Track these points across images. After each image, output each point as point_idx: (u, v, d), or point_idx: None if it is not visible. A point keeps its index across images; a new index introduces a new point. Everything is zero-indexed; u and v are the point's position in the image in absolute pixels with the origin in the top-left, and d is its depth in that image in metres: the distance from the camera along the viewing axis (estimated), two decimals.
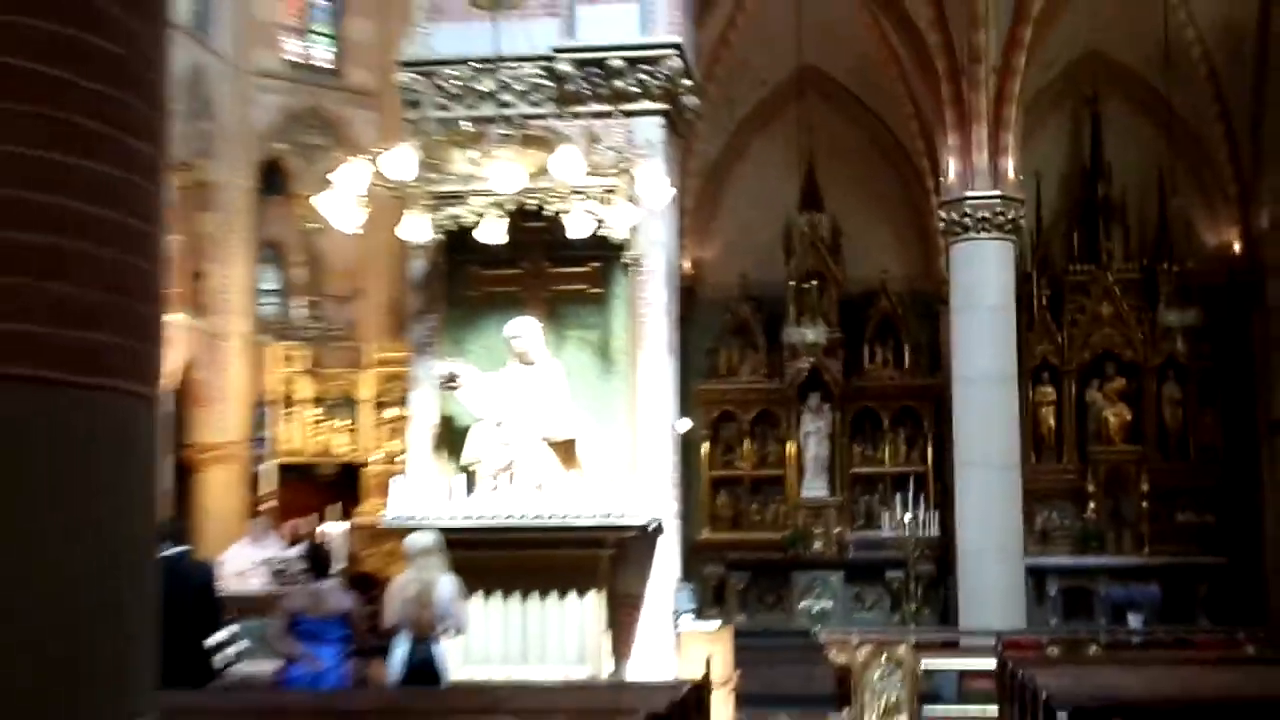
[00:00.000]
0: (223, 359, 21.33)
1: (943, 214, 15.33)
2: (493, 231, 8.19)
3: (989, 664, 11.57)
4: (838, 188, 18.98)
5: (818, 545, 18.32)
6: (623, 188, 8.36)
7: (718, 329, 18.98)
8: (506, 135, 7.52)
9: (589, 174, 7.73)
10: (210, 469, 21.12)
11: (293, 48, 23.37)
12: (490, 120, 7.90)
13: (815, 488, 18.59)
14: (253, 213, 22.02)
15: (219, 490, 21.01)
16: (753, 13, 17.11)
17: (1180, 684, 8.70)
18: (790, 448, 18.73)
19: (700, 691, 8.59)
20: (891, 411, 18.81)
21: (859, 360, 18.85)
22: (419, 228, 8.15)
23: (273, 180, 22.37)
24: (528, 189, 8.89)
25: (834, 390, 18.58)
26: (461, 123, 7.70)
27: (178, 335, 20.00)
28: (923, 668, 11.53)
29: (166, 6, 2.79)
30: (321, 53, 23.60)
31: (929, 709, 11.52)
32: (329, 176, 7.57)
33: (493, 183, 7.18)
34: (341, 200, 7.47)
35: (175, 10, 20.15)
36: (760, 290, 18.92)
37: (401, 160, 7.03)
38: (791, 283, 18.44)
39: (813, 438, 18.69)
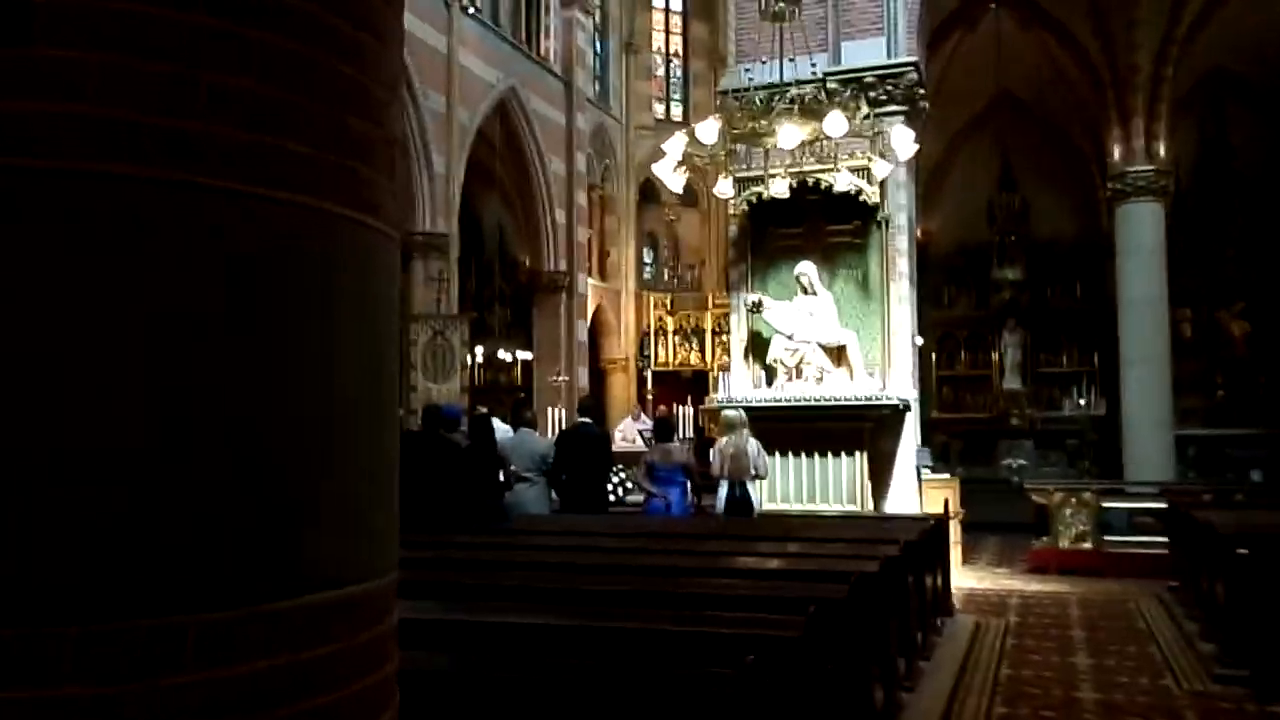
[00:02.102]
0: (621, 306, 21.47)
1: (1110, 184, 13.23)
2: (779, 188, 7.15)
3: (1154, 506, 9.90)
4: (1025, 174, 16.87)
5: (1014, 421, 16.48)
6: (876, 151, 7.15)
7: (942, 275, 17.18)
8: (787, 108, 6.40)
9: (851, 135, 6.54)
10: (615, 374, 21.34)
11: (658, 109, 23.30)
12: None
13: (1012, 382, 16.68)
14: (636, 214, 22.10)
15: (619, 387, 21.10)
16: (962, 53, 15.18)
17: None
18: (994, 355, 16.89)
19: (942, 522, 7.38)
20: (1067, 329, 16.64)
21: (1043, 293, 16.74)
22: (725, 187, 7.17)
23: (648, 193, 22.46)
24: (802, 170, 7.90)
25: (1025, 314, 16.62)
26: (755, 96, 6.58)
27: (593, 292, 20.32)
28: (1102, 506, 9.87)
29: None
30: (676, 109, 23.32)
31: (1107, 538, 9.83)
32: (661, 146, 6.68)
33: (779, 139, 6.09)
34: (669, 165, 6.57)
35: (587, 88, 20.22)
36: (970, 248, 17.00)
37: (710, 129, 6.07)
38: (995, 238, 16.57)
39: (1010, 348, 16.77)
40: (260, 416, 1.20)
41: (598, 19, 20.92)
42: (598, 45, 21.24)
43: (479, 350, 18.36)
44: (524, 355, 19.29)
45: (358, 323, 1.36)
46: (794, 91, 7.15)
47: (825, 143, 6.60)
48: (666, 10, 23.42)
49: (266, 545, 1.20)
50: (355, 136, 1.33)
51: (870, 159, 7.17)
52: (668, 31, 23.46)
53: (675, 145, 6.40)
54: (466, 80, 15.72)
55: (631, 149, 22.02)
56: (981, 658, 6.15)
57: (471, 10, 15.92)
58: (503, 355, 19.16)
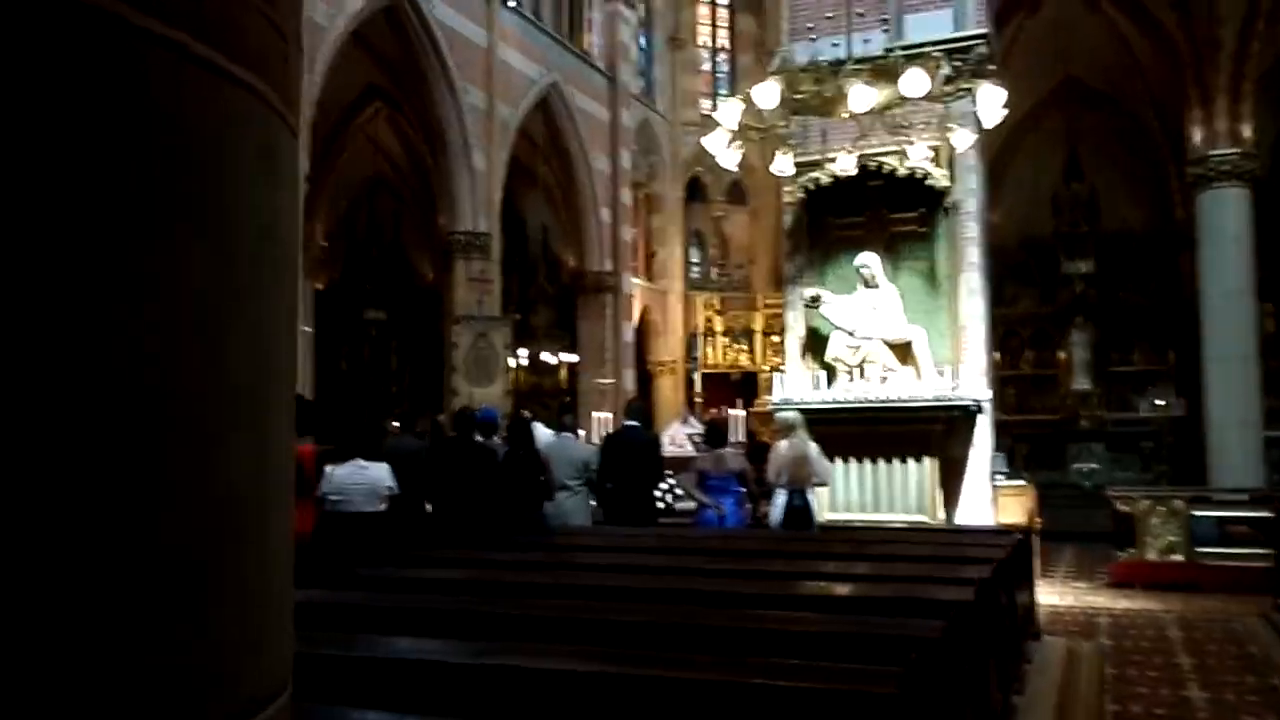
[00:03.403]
0: (668, 306, 20.95)
1: (1190, 170, 12.27)
2: (846, 163, 6.44)
3: (1250, 514, 9.03)
4: (1092, 163, 15.93)
5: (1084, 423, 15.53)
6: (946, 128, 6.42)
7: (1004, 270, 16.28)
8: (856, 69, 5.69)
9: (931, 100, 5.80)
10: (662, 376, 20.83)
11: (705, 105, 22.72)
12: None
13: (1081, 382, 15.72)
14: (683, 213, 21.55)
15: (667, 390, 20.55)
16: (1023, 39, 14.32)
17: None
18: (1060, 354, 15.94)
19: (1028, 535, 6.63)
20: (1139, 325, 15.63)
21: (1113, 288, 15.74)
22: (785, 164, 6.46)
23: (694, 192, 21.99)
24: (868, 150, 7.20)
25: (1094, 310, 15.64)
26: (820, 58, 5.83)
27: (639, 292, 19.74)
28: (1192, 514, 9.00)
29: None
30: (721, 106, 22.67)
31: (1198, 549, 8.96)
32: (713, 115, 5.96)
33: (851, 102, 5.37)
34: (722, 138, 5.86)
35: (632, 84, 19.63)
36: (1034, 242, 16.06)
37: (769, 91, 5.36)
38: (1064, 230, 15.64)
39: (1077, 346, 15.81)
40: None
41: (642, 13, 20.33)
42: (642, 40, 20.66)
43: (522, 353, 17.85)
44: (569, 358, 18.75)
45: (218, 258, 0.74)
46: (851, 72, 6.44)
47: (896, 113, 5.88)
48: (713, 3, 22.78)
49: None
50: None
51: (950, 128, 6.44)
52: (714, 25, 22.81)
53: (730, 114, 5.71)
54: (507, 75, 15.21)
55: (677, 146, 21.45)
56: (1080, 690, 5.40)
57: (512, 3, 15.41)
58: (546, 358, 18.63)
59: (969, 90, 5.88)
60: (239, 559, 0.77)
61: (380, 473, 6.16)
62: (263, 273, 0.82)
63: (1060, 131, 15.87)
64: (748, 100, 5.76)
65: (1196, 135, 12.13)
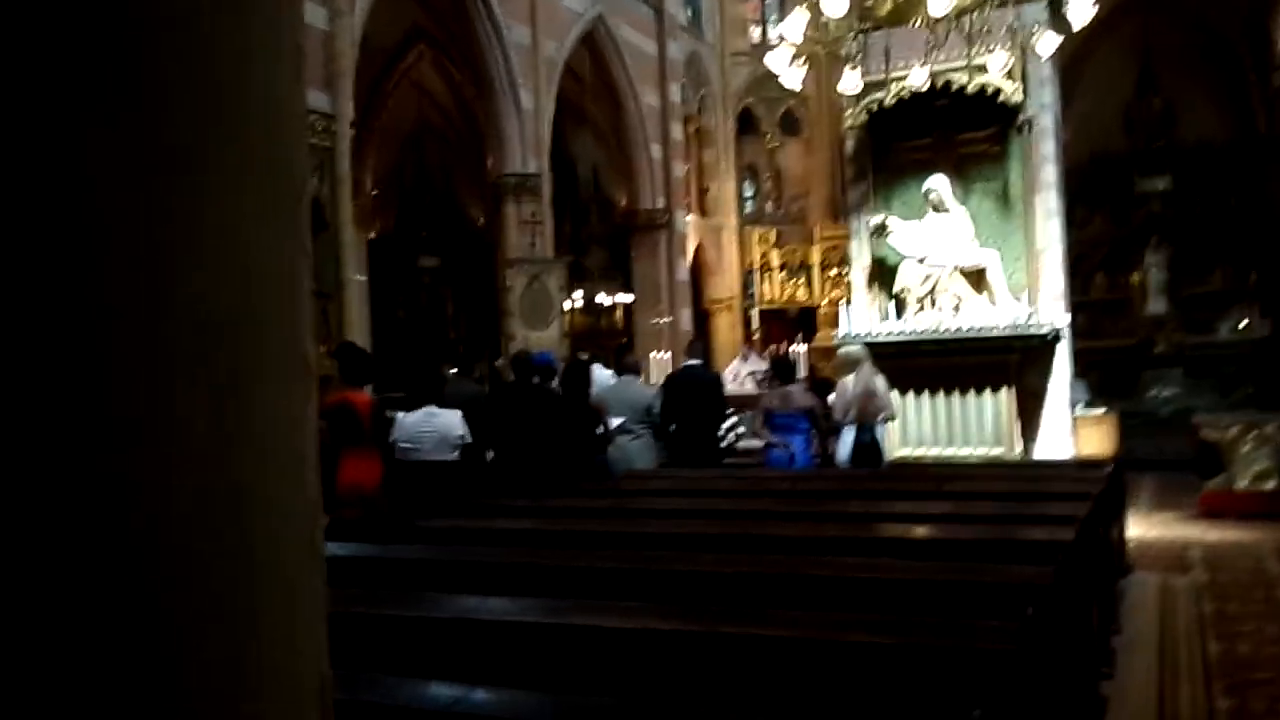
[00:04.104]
0: (722, 242, 20.55)
1: (1278, 75, 11.46)
2: (918, 78, 6.02)
3: None
4: (1166, 74, 15.05)
5: (1159, 348, 14.90)
6: (1018, 45, 5.93)
7: (1074, 190, 15.58)
8: None
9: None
10: (719, 314, 20.53)
11: (755, 33, 22.05)
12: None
13: (1156, 306, 15.05)
14: (735, 146, 20.98)
15: (724, 328, 20.24)
16: None
17: None
18: (1135, 277, 15.25)
19: (1120, 468, 6.27)
20: (1219, 244, 14.84)
21: (1190, 206, 14.95)
22: (853, 80, 6.05)
23: (746, 124, 21.38)
24: (940, 66, 6.73)
25: (1170, 230, 14.90)
26: None
27: (693, 229, 19.35)
28: None
29: None
30: (774, 34, 21.97)
31: None
32: (779, 30, 5.54)
33: (930, 6, 4.94)
34: (785, 54, 5.46)
35: (679, 14, 19.04)
36: (1105, 159, 15.28)
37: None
38: (1139, 146, 14.85)
39: (1153, 268, 15.11)
40: None
41: None
42: None
43: (577, 295, 17.64)
44: (624, 298, 18.49)
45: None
46: None
47: (969, 20, 5.42)
48: None
49: None
50: None
51: (1033, 31, 5.96)
52: None
53: (795, 26, 5.29)
54: (551, 10, 14.75)
55: (728, 77, 20.81)
56: (1180, 629, 5.09)
57: None
58: (602, 299, 18.40)
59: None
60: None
61: (453, 420, 6.00)
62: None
63: (1134, 40, 15.00)
64: (814, 9, 5.34)
65: None
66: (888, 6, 5.15)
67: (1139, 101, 15.11)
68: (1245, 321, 14.01)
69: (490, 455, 6.82)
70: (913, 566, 3.19)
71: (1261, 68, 12.84)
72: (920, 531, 4.04)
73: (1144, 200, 14.82)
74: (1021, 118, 7.64)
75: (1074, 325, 15.43)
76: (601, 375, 8.29)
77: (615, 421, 6.67)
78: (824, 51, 5.80)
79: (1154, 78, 15.01)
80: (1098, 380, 15.00)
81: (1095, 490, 4.56)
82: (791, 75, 5.60)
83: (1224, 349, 14.38)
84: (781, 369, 7.29)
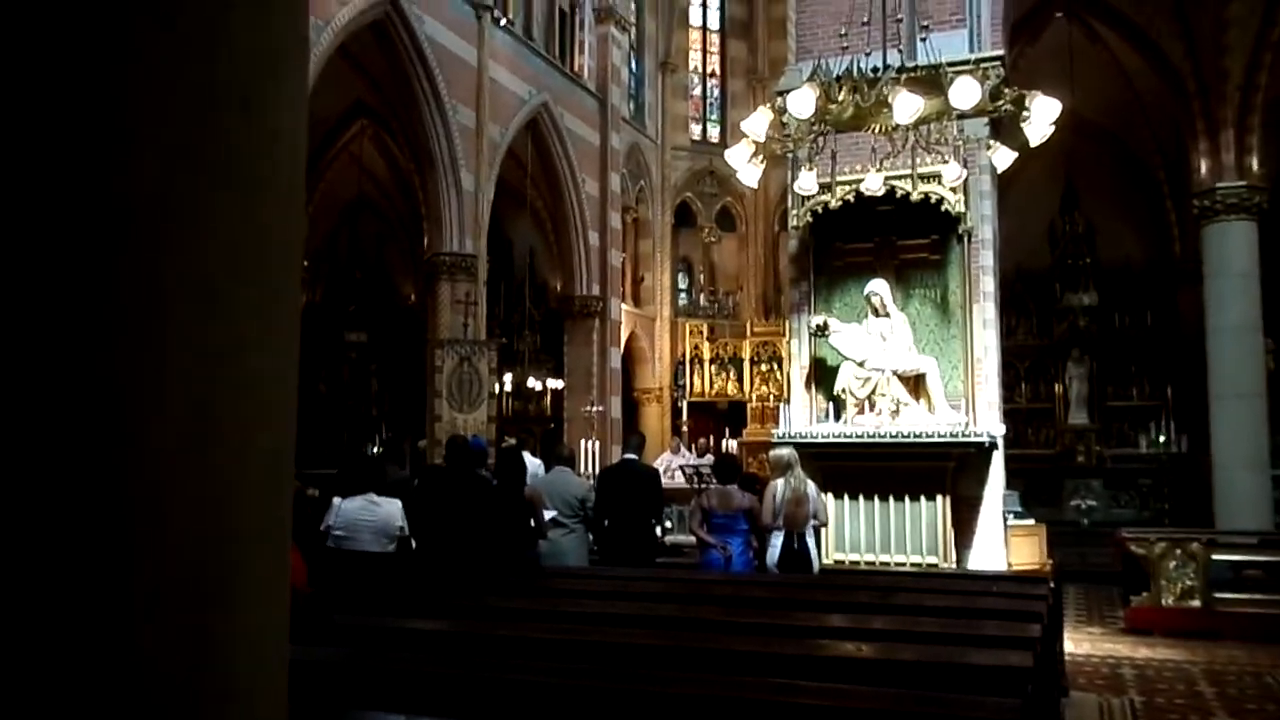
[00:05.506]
0: (655, 333, 20.59)
1: (1197, 202, 12.00)
2: (873, 183, 6.08)
3: (1267, 558, 8.69)
4: (1089, 195, 15.75)
5: (1080, 458, 15.23)
6: (959, 156, 6.05)
7: (1000, 300, 16.05)
8: (895, 79, 5.32)
9: (977, 110, 5.42)
10: (648, 404, 20.48)
11: (695, 130, 22.58)
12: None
13: (1078, 417, 15.45)
14: (672, 238, 21.26)
15: (653, 418, 20.16)
16: (1023, 68, 14.11)
17: None
18: (1058, 387, 15.66)
19: (1056, 583, 6.22)
20: (1138, 359, 15.38)
21: (1110, 322, 15.51)
22: (808, 182, 6.06)
23: (684, 217, 21.81)
24: (889, 175, 6.83)
25: (1092, 343, 15.39)
26: (858, 69, 5.42)
27: (627, 318, 19.35)
28: (1213, 559, 8.64)
29: None
30: (713, 130, 22.49)
31: (1216, 594, 8.59)
32: (741, 126, 5.49)
33: (896, 110, 4.97)
34: (745, 152, 5.42)
35: (622, 106, 19.36)
36: (1031, 273, 15.84)
37: (804, 99, 4.93)
38: (1066, 262, 15.42)
39: (1075, 380, 15.56)
40: None
41: (633, 36, 20.07)
42: (633, 63, 20.40)
43: (507, 378, 17.39)
44: (554, 384, 18.30)
45: None
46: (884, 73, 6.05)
47: (925, 130, 5.49)
48: (704, 29, 22.60)
49: None
50: None
51: (990, 144, 6.08)
52: (705, 50, 22.62)
53: (757, 124, 5.26)
54: (498, 94, 14.85)
55: (667, 170, 21.18)
56: None
57: (504, 23, 15.07)
58: (532, 383, 18.17)
59: (1017, 105, 5.50)
60: None
61: (393, 510, 5.71)
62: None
63: (1059, 161, 15.68)
64: (775, 111, 5.36)
65: (1202, 168, 11.91)
66: (849, 111, 5.17)
67: (1063, 220, 15.72)
68: (1162, 437, 14.42)
69: (414, 545, 6.50)
70: (881, 694, 3.01)
71: (1179, 194, 13.48)
72: (869, 652, 3.88)
73: (1068, 314, 15.32)
74: (962, 228, 7.79)
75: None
76: (531, 464, 8.05)
77: (549, 514, 6.42)
78: (781, 151, 5.80)
79: (1077, 197, 15.66)
80: (1022, 488, 15.27)
81: (1044, 609, 4.46)
82: (749, 172, 5.59)
83: (1143, 462, 14.76)
84: (722, 469, 7.14)
